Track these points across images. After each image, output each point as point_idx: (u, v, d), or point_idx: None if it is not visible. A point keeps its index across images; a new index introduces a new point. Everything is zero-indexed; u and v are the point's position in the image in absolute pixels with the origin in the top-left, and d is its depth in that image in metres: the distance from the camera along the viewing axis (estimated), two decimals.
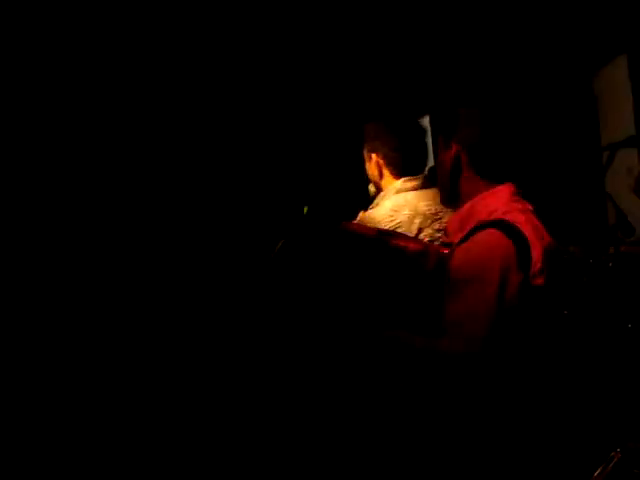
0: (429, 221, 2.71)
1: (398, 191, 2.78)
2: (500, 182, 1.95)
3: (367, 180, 2.99)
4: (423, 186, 2.81)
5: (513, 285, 1.77)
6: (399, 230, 2.54)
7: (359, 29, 4.10)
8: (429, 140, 4.46)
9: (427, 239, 2.60)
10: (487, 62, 4.23)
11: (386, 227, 2.56)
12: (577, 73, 4.13)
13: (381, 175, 2.85)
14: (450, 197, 2.04)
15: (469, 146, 1.95)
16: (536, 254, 1.83)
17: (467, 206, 1.96)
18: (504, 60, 4.19)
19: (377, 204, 2.82)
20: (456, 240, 1.91)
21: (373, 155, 2.84)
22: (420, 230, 2.66)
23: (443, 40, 4.23)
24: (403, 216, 2.67)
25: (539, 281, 1.82)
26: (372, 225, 2.39)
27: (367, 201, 2.97)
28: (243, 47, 4.11)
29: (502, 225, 1.83)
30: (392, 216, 2.68)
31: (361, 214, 2.81)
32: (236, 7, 4.01)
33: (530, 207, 1.95)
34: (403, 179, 2.81)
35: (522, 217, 1.88)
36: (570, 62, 4.04)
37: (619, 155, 3.48)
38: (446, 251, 1.88)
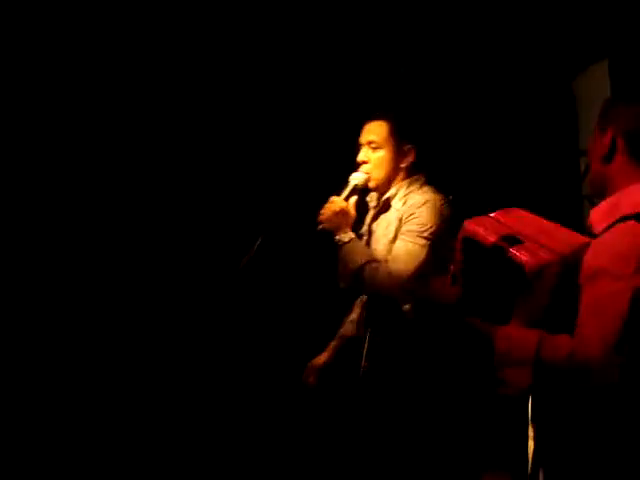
0: None
1: None
2: None
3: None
4: None
5: None
6: None
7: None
8: None
9: None
10: (465, 64, 4.21)
11: None
12: (557, 77, 4.12)
13: None
14: (599, 185, 1.95)
15: (626, 132, 1.87)
16: None
17: (613, 198, 1.88)
18: (483, 63, 4.17)
19: None
20: (598, 232, 1.83)
21: None
22: None
23: (423, 43, 4.21)
24: None
25: None
26: None
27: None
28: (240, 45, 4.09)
29: None
30: None
31: None
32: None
33: None
34: None
35: None
36: (550, 65, 4.03)
37: None
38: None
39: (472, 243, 1.85)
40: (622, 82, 3.66)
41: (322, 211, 2.91)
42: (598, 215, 1.89)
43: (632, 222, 1.74)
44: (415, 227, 2.82)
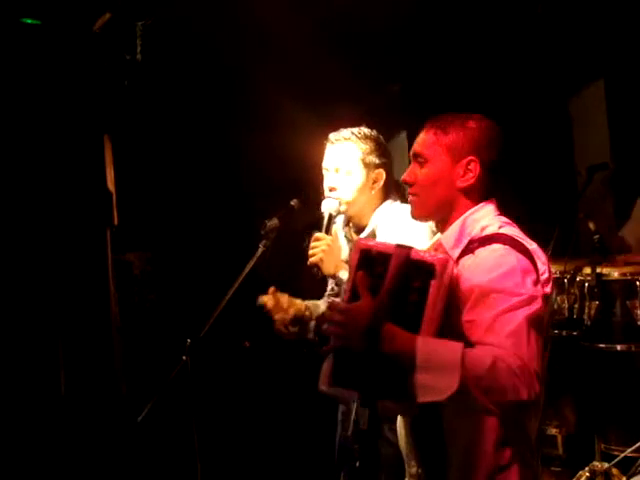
0: None
1: None
2: (485, 199, 1.98)
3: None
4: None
5: (538, 295, 1.77)
6: None
7: None
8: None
9: None
10: (461, 85, 4.22)
11: None
12: (553, 96, 4.14)
13: None
14: (448, 210, 1.99)
15: (486, 160, 1.98)
16: (541, 263, 1.85)
17: (458, 222, 1.94)
18: (479, 84, 4.18)
19: None
20: (454, 256, 1.88)
21: None
22: None
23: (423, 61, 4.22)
24: None
25: (548, 290, 1.84)
26: None
27: None
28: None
29: (505, 239, 1.83)
30: None
31: None
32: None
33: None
34: None
35: (517, 229, 1.90)
36: (546, 85, 4.05)
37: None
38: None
39: (368, 258, 1.86)
40: (618, 102, 3.68)
41: (312, 252, 2.70)
42: (449, 240, 1.93)
43: (495, 245, 1.82)
44: None
